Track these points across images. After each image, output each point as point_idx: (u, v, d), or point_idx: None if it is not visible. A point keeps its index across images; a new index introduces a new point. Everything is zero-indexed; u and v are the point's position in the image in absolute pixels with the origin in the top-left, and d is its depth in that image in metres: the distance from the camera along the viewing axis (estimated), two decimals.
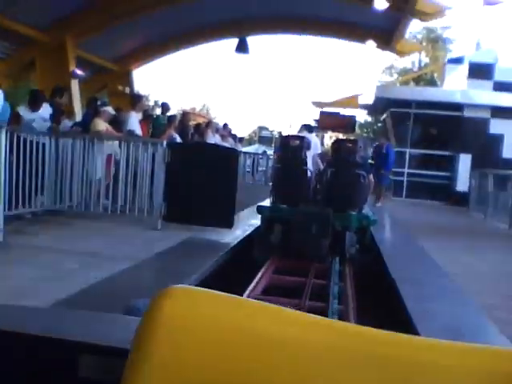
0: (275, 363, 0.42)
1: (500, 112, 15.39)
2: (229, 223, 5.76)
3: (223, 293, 0.46)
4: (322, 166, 9.08)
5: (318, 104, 20.41)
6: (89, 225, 5.90)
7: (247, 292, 4.15)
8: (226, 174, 6.12)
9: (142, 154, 6.66)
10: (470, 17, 41.11)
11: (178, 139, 9.16)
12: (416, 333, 3.05)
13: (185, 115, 12.74)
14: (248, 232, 6.08)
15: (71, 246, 4.67)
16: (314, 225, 5.81)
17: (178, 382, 0.41)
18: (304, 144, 6.87)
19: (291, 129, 27.03)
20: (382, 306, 4.35)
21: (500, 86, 15.77)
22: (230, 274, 4.81)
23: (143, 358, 0.42)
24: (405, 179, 15.80)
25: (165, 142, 6.53)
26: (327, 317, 2.72)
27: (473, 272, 5.29)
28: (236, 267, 4.98)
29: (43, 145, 6.21)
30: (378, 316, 4.22)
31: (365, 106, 20.67)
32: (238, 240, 5.54)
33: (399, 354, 0.42)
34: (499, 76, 16.02)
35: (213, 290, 0.46)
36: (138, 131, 8.62)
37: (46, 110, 6.89)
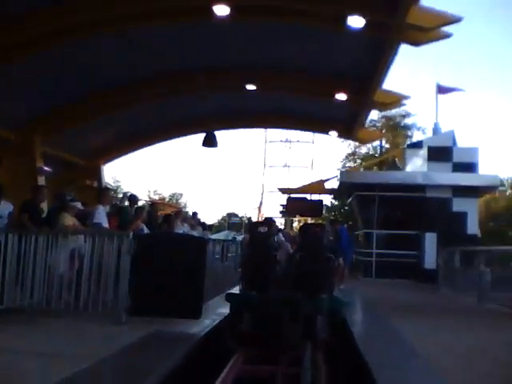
0: None
1: (461, 191, 16.00)
2: (196, 314, 5.60)
3: None
4: (290, 250, 9.08)
5: (284, 190, 20.83)
6: (50, 322, 5.63)
7: None
8: (193, 263, 6.04)
9: (107, 247, 6.55)
10: (426, 103, 43.84)
11: (146, 230, 9.11)
12: None
13: (153, 206, 12.79)
14: (216, 322, 5.91)
15: (30, 346, 4.43)
16: (285, 311, 5.72)
17: None
18: (273, 230, 6.91)
19: (260, 214, 27.27)
20: None
21: (459, 167, 16.52)
22: (198, 366, 4.61)
23: None
24: (373, 259, 15.94)
25: (131, 234, 6.47)
26: None
27: (446, 350, 5.20)
28: (204, 359, 4.78)
29: (5, 243, 6.10)
30: None
31: (331, 191, 21.19)
32: (206, 331, 5.36)
33: None
34: (457, 157, 16.80)
35: None
36: (105, 224, 8.55)
37: (4, 206, 6.86)
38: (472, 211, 16.49)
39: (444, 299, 11.33)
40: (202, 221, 14.42)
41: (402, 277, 14.77)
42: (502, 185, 32.49)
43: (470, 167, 16.64)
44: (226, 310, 6.28)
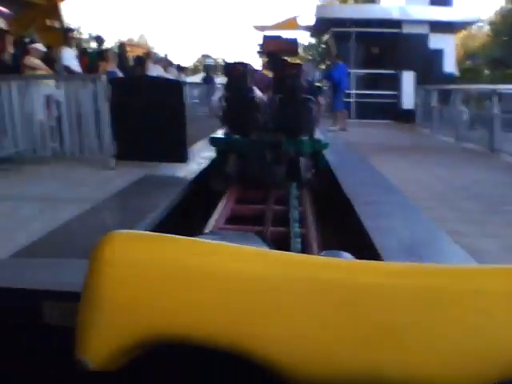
0: (221, 298, 0.43)
1: (438, 27, 15.50)
2: (183, 158, 5.69)
3: (169, 234, 0.46)
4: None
5: (260, 28, 19.83)
6: (39, 169, 5.67)
7: (210, 223, 4.16)
8: (172, 106, 5.93)
9: (81, 92, 6.34)
10: None
11: (119, 74, 8.79)
12: (373, 247, 3.20)
13: (122, 47, 12.15)
14: (203, 165, 6.03)
15: (25, 192, 4.50)
16: (268, 153, 5.83)
17: (123, 322, 0.43)
18: (249, 71, 6.74)
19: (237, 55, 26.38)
20: (341, 225, 4.50)
21: (437, 1, 15.79)
22: (191, 208, 4.81)
23: (90, 304, 0.43)
24: (353, 100, 15.74)
25: (104, 78, 6.22)
26: (290, 240, 2.80)
27: (424, 187, 5.51)
28: (196, 201, 4.97)
29: None
30: (339, 234, 4.38)
31: (307, 28, 20.29)
32: (195, 173, 5.50)
33: (338, 277, 0.44)
34: None
35: (157, 233, 0.46)
36: (76, 68, 8.19)
37: None
38: (449, 48, 16.19)
39: (422, 138, 11.67)
40: (175, 63, 13.92)
41: (381, 117, 14.82)
42: (480, 21, 31.62)
43: (446, 2, 15.94)
44: (209, 153, 6.38)
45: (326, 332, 0.42)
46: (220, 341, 0.43)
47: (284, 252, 0.46)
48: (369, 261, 0.46)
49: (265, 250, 0.47)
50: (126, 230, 0.46)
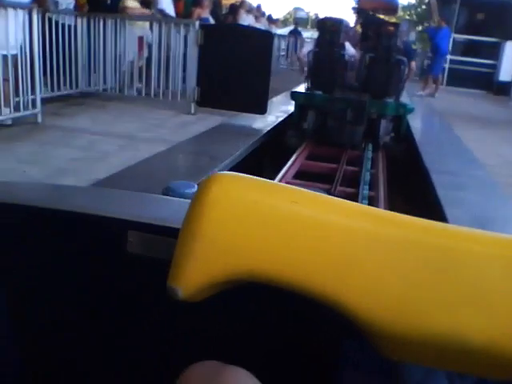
0: (316, 247, 0.44)
1: None
2: (262, 109, 5.69)
3: (267, 179, 0.48)
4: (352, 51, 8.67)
5: None
6: (124, 107, 5.92)
7: (279, 176, 4.20)
8: (259, 58, 5.90)
9: (174, 37, 6.48)
10: None
11: (211, 20, 8.84)
12: (445, 219, 3.10)
13: None
14: (281, 118, 6.03)
15: (108, 128, 4.73)
16: (350, 112, 5.71)
17: (222, 259, 0.45)
18: (342, 28, 6.52)
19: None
20: (413, 193, 4.38)
21: None
22: (263, 158, 4.87)
23: (192, 238, 0.45)
24: (447, 66, 14.82)
25: (197, 24, 6.29)
26: (357, 202, 2.81)
27: (508, 163, 5.20)
28: (269, 153, 5.02)
29: (75, 27, 6.13)
30: (408, 202, 4.28)
31: None
32: (272, 126, 5.51)
33: (436, 241, 0.44)
34: None
35: (257, 177, 0.48)
36: (170, 12, 8.32)
37: None
38: None
39: None
40: (266, 14, 13.75)
41: (474, 87, 13.91)
42: None
43: None
44: (289, 107, 6.35)
45: (415, 290, 0.43)
46: (307, 285, 0.45)
47: (383, 210, 0.47)
48: (464, 227, 0.46)
49: (364, 205, 0.48)
50: (230, 172, 0.48)
